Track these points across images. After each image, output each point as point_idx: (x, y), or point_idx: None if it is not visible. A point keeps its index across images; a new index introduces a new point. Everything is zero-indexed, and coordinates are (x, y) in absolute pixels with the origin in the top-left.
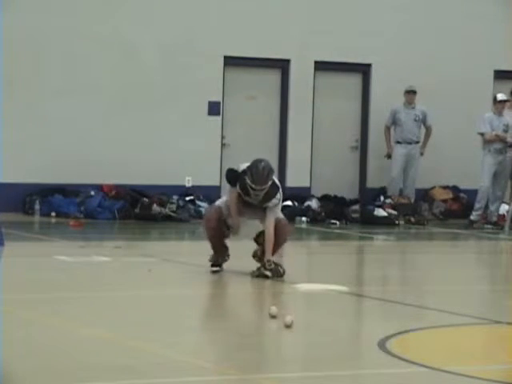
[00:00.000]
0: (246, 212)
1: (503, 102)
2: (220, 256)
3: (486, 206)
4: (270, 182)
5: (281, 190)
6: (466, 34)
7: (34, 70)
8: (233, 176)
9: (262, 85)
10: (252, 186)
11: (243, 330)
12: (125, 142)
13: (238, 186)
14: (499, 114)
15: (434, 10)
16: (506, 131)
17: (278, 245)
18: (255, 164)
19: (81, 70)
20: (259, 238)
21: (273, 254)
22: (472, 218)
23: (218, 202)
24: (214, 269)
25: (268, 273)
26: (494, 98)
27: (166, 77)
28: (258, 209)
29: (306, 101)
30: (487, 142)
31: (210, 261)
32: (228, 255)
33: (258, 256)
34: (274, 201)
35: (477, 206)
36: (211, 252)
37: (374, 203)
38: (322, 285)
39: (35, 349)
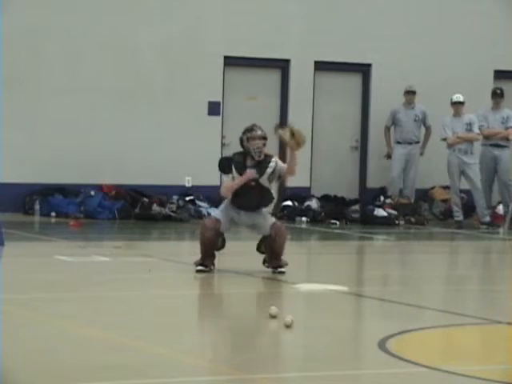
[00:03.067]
0: (242, 205)
1: (458, 103)
2: (206, 261)
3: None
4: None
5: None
6: (467, 34)
7: (34, 69)
8: (226, 161)
9: (262, 85)
10: (252, 134)
11: (243, 330)
12: (125, 142)
13: (234, 168)
14: (458, 115)
15: (434, 10)
16: (468, 130)
17: (281, 248)
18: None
19: (81, 69)
20: (261, 247)
21: (279, 258)
22: (456, 219)
23: (217, 213)
24: (200, 268)
25: (283, 269)
26: (451, 100)
27: (166, 77)
28: (256, 195)
29: (306, 101)
30: (451, 145)
31: (196, 263)
32: (214, 264)
33: (267, 261)
34: (272, 164)
35: (454, 208)
36: (199, 256)
37: (374, 203)
38: (322, 285)
39: (35, 349)
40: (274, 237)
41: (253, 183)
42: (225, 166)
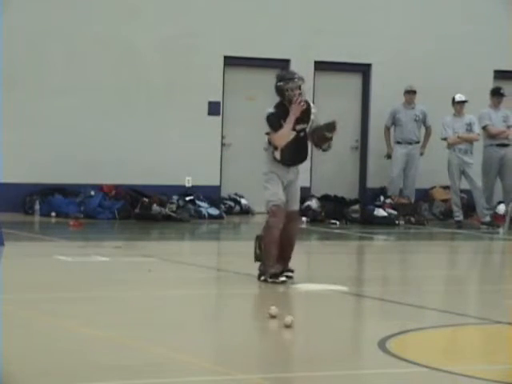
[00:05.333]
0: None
1: (461, 102)
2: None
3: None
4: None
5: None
6: (466, 33)
7: (34, 69)
8: (273, 116)
9: (262, 85)
10: (295, 84)
11: (243, 330)
12: (125, 142)
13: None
14: (459, 114)
15: (434, 10)
16: (469, 131)
17: (292, 242)
18: (282, 71)
19: (81, 69)
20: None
21: (288, 256)
22: (456, 219)
23: (276, 192)
24: (286, 275)
25: (291, 274)
26: (453, 100)
27: (166, 77)
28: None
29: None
30: (452, 145)
31: (269, 273)
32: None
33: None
34: (314, 110)
35: (454, 208)
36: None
37: (374, 203)
38: (321, 285)
39: (35, 349)
40: (289, 222)
41: (301, 134)
42: (274, 121)
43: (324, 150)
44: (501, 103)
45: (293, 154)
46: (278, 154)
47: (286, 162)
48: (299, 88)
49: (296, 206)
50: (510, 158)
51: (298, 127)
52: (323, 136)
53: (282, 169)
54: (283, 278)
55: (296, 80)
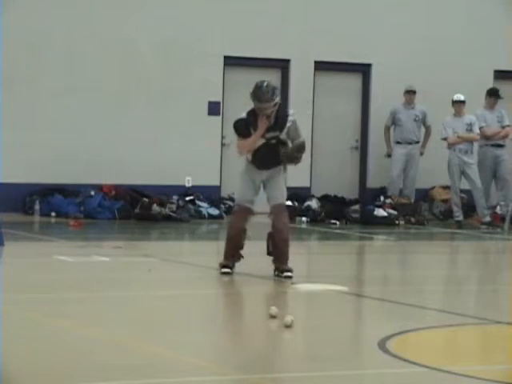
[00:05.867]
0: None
1: (459, 102)
2: (230, 260)
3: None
4: (276, 99)
5: (291, 112)
6: (467, 34)
7: (34, 69)
8: (242, 122)
9: None
10: (260, 106)
11: (243, 330)
12: (125, 142)
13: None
14: (459, 114)
15: (434, 10)
16: (469, 130)
17: (282, 238)
18: (257, 85)
19: (81, 70)
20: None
21: (284, 256)
22: (456, 219)
23: (245, 194)
24: (225, 270)
25: (290, 274)
26: (452, 100)
27: (166, 77)
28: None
29: (306, 101)
30: (452, 145)
31: (220, 264)
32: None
33: (273, 261)
34: (291, 118)
35: (454, 208)
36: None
37: (374, 203)
38: (322, 285)
39: (35, 349)
40: (274, 220)
41: (273, 141)
42: (242, 128)
43: (294, 164)
44: (496, 104)
45: (262, 160)
46: (249, 156)
47: (256, 165)
48: (274, 105)
49: (279, 200)
50: (505, 159)
51: (269, 135)
52: (293, 156)
53: (255, 170)
54: (225, 270)
55: (258, 102)
